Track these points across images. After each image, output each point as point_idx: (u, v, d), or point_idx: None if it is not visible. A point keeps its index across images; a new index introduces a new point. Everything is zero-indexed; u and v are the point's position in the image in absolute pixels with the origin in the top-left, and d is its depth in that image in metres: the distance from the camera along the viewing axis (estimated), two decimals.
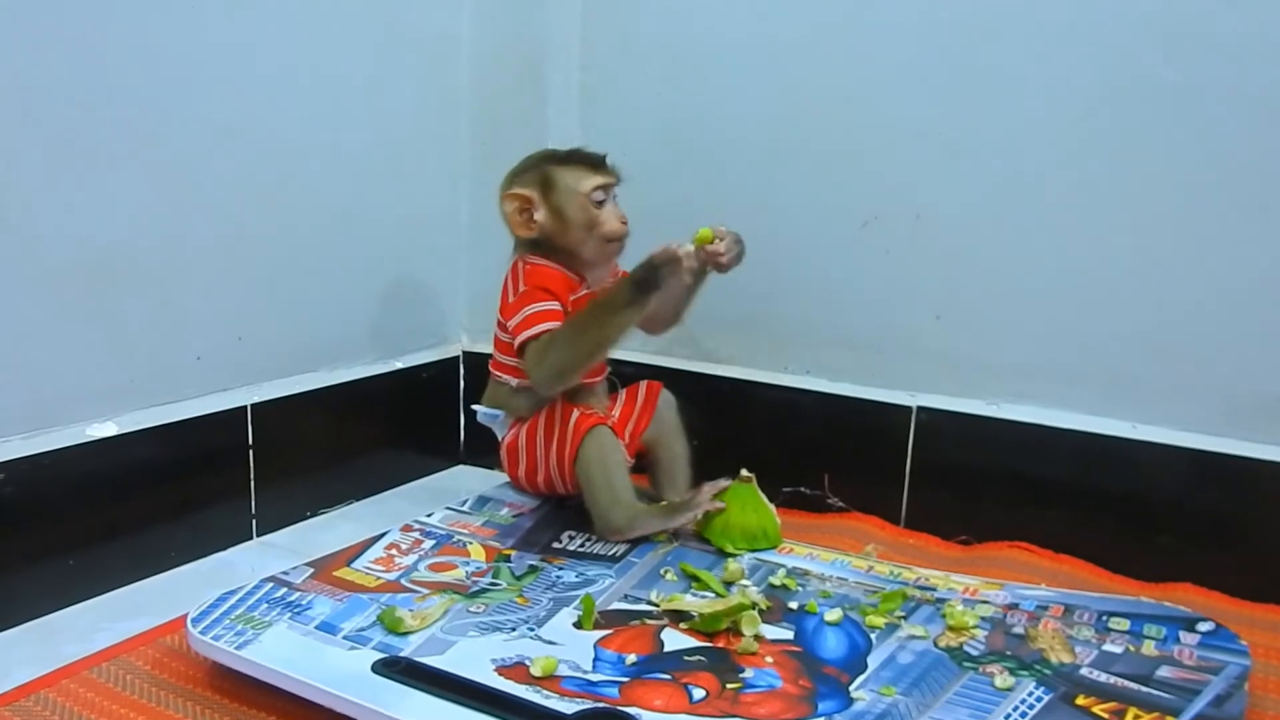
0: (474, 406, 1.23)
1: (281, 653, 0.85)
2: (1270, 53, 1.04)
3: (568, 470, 1.13)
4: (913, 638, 0.92)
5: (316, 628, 0.90)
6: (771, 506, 1.12)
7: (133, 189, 1.07)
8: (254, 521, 1.22)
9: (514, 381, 1.17)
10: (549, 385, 1.12)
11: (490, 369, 1.22)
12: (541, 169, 1.14)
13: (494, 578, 1.02)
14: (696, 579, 1.02)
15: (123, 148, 1.05)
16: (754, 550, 1.09)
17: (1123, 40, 1.10)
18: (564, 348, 1.09)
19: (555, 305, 1.12)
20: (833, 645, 0.91)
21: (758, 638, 0.91)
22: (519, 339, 1.12)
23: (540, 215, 1.13)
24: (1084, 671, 0.86)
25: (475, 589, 1.00)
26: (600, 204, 1.13)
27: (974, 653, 0.90)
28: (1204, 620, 0.93)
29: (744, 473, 1.13)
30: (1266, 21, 1.04)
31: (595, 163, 1.14)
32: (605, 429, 1.11)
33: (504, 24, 1.43)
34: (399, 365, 1.42)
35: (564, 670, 0.85)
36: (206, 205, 1.14)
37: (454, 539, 1.11)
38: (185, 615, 0.90)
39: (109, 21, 1.03)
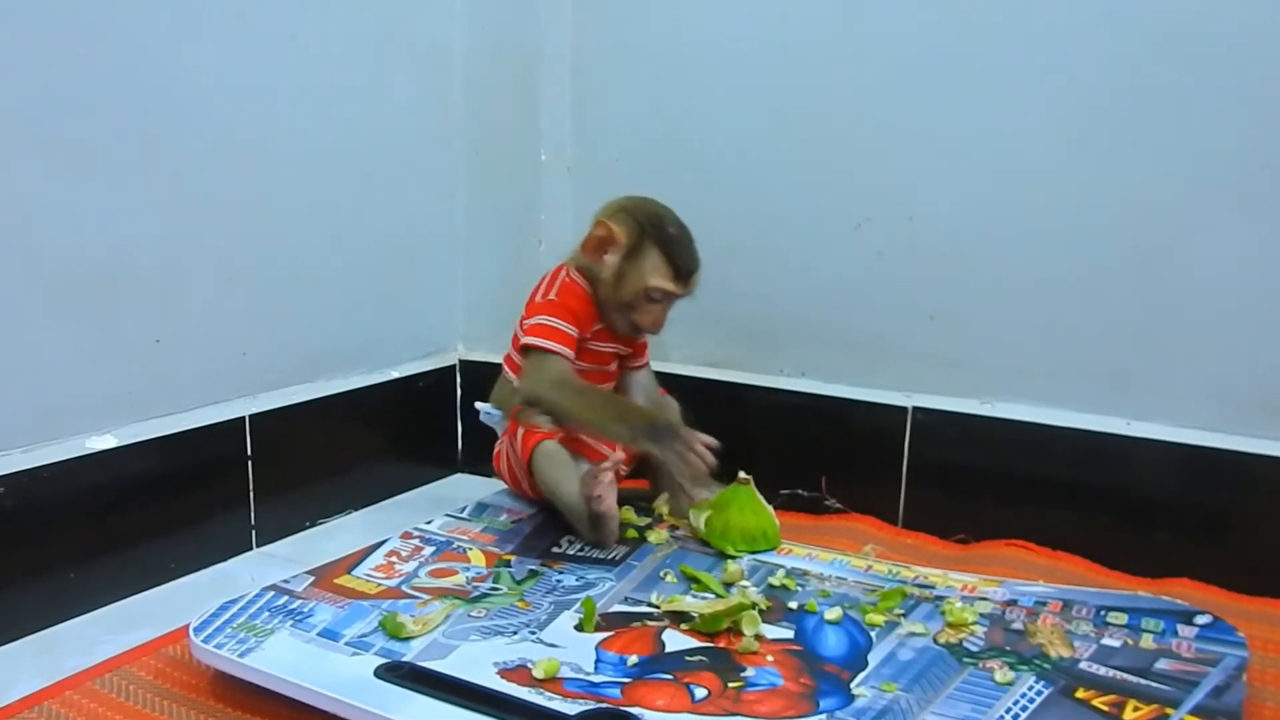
0: (477, 405, 1.24)
1: (284, 659, 0.85)
2: (1264, 50, 1.05)
3: (532, 485, 1.15)
4: (912, 635, 0.93)
5: (318, 634, 0.90)
6: (770, 508, 1.13)
7: (131, 200, 1.07)
8: (253, 532, 1.22)
9: None
10: (526, 398, 1.15)
11: (504, 363, 1.23)
12: (644, 232, 1.12)
13: (494, 583, 1.03)
14: (696, 581, 1.03)
15: (120, 159, 1.06)
16: (754, 552, 1.10)
17: (1114, 40, 1.11)
18: (565, 400, 1.12)
19: (573, 331, 1.14)
20: (833, 643, 0.92)
21: (758, 637, 0.91)
22: (524, 340, 1.14)
23: (610, 259, 1.14)
24: (1083, 665, 0.87)
25: (476, 594, 1.00)
26: (654, 301, 1.13)
27: (974, 649, 0.90)
28: (1202, 613, 0.93)
29: (742, 475, 1.13)
30: (1259, 20, 1.05)
31: (682, 270, 1.12)
32: (548, 445, 1.13)
33: (496, 33, 1.44)
34: (395, 375, 1.42)
35: (566, 672, 0.85)
36: (203, 216, 1.15)
37: (454, 545, 1.11)
38: (187, 625, 0.91)
39: (107, 34, 1.03)
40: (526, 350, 1.14)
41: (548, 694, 0.81)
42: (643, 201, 1.16)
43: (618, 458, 1.14)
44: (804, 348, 1.33)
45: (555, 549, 1.11)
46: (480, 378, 1.45)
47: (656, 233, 1.12)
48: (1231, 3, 1.06)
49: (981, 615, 0.95)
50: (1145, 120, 1.11)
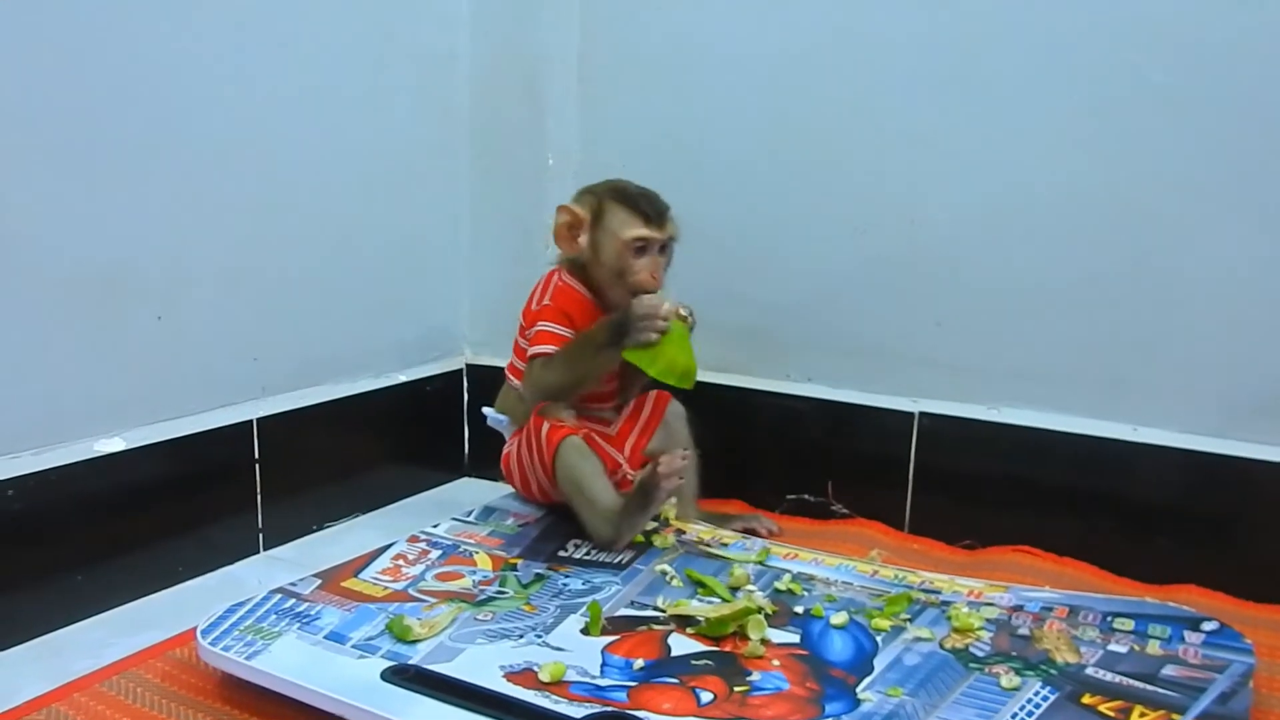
0: (484, 410, 1.24)
1: (291, 662, 0.86)
2: (1263, 53, 1.05)
3: (552, 483, 1.14)
4: (919, 640, 0.93)
5: (325, 637, 0.90)
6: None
7: (138, 204, 1.08)
8: (261, 535, 1.23)
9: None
10: (535, 401, 1.16)
11: (506, 371, 1.23)
12: (601, 198, 1.14)
13: (501, 586, 1.03)
14: (702, 585, 1.03)
15: (127, 164, 1.06)
16: (673, 387, 1.12)
17: (1115, 43, 1.11)
18: (553, 372, 1.13)
19: (566, 332, 1.14)
20: (839, 648, 0.92)
21: (764, 641, 0.91)
22: (529, 351, 1.14)
23: (583, 239, 1.14)
24: (1089, 671, 0.87)
25: (482, 597, 1.00)
26: (640, 253, 1.12)
27: (980, 654, 0.90)
28: (1208, 619, 0.93)
29: (682, 311, 1.11)
30: (1258, 23, 1.05)
31: (650, 214, 1.12)
32: (574, 439, 1.12)
33: (502, 38, 1.45)
34: (403, 379, 1.42)
35: (572, 676, 0.85)
36: (210, 221, 1.15)
37: (460, 549, 1.12)
38: (194, 628, 0.91)
39: (112, 39, 1.04)
40: (530, 360, 1.15)
41: (554, 697, 0.81)
42: (600, 181, 1.17)
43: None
44: (809, 353, 1.33)
45: (561, 553, 1.12)
46: (487, 382, 1.45)
47: (615, 194, 1.14)
48: (1231, 5, 1.06)
49: (988, 620, 0.95)
50: (1147, 124, 1.11)
